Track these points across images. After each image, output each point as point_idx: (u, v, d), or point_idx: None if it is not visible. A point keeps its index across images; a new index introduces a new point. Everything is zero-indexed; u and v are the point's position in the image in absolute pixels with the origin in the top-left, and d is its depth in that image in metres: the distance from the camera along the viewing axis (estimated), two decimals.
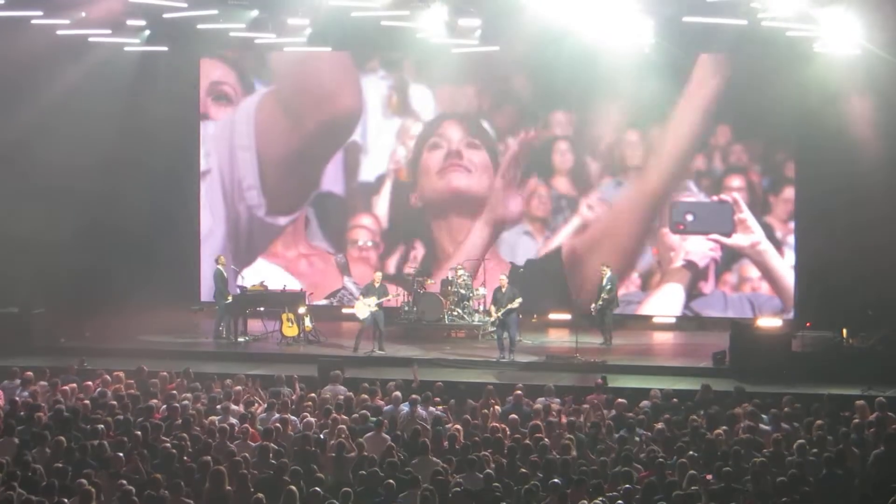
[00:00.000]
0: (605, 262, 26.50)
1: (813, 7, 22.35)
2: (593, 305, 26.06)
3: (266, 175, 30.04)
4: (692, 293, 28.25)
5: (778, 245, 27.73)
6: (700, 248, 28.18)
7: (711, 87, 27.67)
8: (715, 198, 28.12)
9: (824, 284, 26.33)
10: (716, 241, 28.10)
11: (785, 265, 27.66)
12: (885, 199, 25.79)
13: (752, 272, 27.93)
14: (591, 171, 28.72)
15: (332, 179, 29.88)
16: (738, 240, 27.96)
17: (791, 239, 27.63)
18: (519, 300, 24.54)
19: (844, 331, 24.00)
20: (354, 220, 29.96)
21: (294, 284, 29.03)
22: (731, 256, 28.06)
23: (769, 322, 25.92)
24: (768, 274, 27.80)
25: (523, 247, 29.05)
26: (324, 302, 29.57)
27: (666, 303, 28.38)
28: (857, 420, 17.84)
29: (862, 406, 18.55)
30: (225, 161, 30.27)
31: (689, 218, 28.17)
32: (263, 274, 28.95)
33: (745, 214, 27.88)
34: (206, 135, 30.26)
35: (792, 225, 27.64)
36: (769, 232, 27.78)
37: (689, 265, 28.23)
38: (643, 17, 24.58)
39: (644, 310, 28.54)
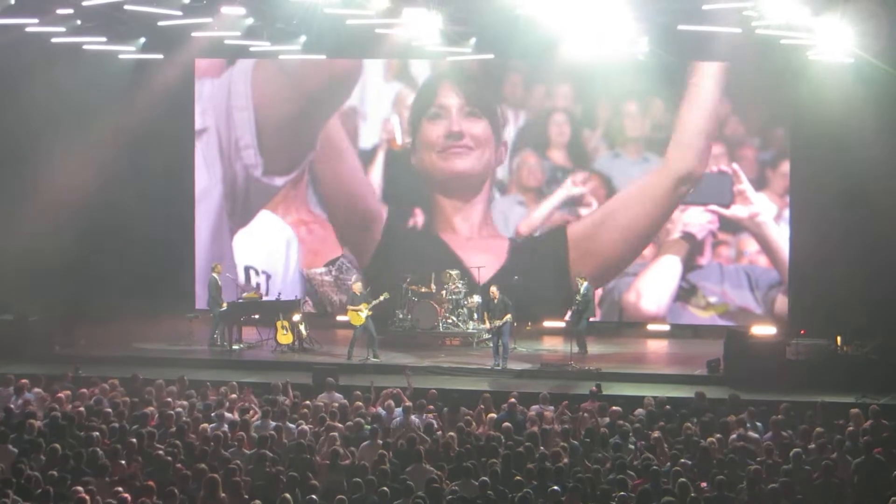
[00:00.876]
0: (580, 273, 26.50)
1: (807, 16, 22.37)
2: (568, 312, 26.08)
3: (263, 135, 29.81)
4: (689, 265, 28.26)
5: (776, 218, 27.75)
6: (698, 220, 28.19)
7: (709, 93, 27.76)
8: (714, 168, 28.09)
9: (818, 290, 26.34)
10: (714, 212, 28.11)
11: (783, 237, 27.65)
12: (878, 203, 25.85)
13: (750, 246, 27.93)
14: (589, 143, 28.71)
15: (325, 145, 29.72)
16: (736, 211, 27.96)
17: (788, 213, 27.61)
18: (509, 316, 24.54)
19: (839, 338, 24.03)
20: None
21: (293, 248, 29.53)
22: (729, 228, 28.04)
23: (763, 330, 25.98)
24: (767, 246, 27.78)
25: (516, 217, 29.07)
26: (322, 269, 29.67)
27: (663, 275, 28.36)
28: (851, 428, 17.85)
29: (857, 414, 18.57)
30: (222, 120, 29.99)
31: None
32: (266, 228, 29.51)
33: (745, 186, 27.86)
34: (203, 93, 30.05)
35: (789, 199, 27.60)
36: (767, 205, 27.81)
37: (687, 237, 28.25)
38: (638, 26, 24.62)
39: (641, 282, 28.48)
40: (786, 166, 27.64)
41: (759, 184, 27.82)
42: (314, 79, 29.56)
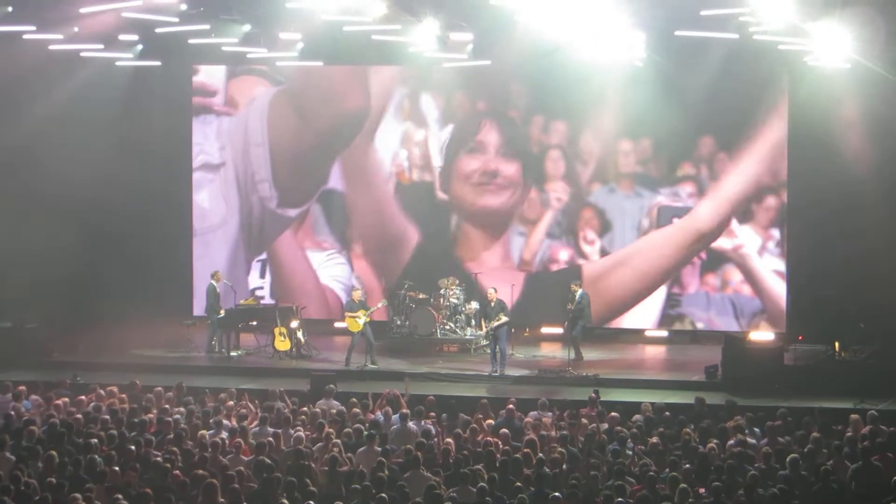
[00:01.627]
0: (575, 281, 26.57)
1: (804, 21, 22.39)
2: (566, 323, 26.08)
3: (277, 169, 30.21)
4: (675, 294, 28.34)
5: (759, 251, 27.84)
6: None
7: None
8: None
9: (816, 297, 26.32)
10: None
11: (767, 269, 27.74)
12: (875, 209, 25.85)
13: (735, 276, 28.03)
14: (583, 178, 28.82)
15: (338, 177, 29.97)
16: (721, 243, 28.04)
17: (771, 245, 27.72)
18: (505, 318, 24.56)
19: (836, 344, 24.03)
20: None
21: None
22: (715, 259, 28.12)
23: (761, 336, 25.97)
24: (750, 276, 27.90)
25: (517, 248, 29.15)
26: None
27: (650, 304, 28.43)
28: (849, 433, 17.85)
29: (856, 420, 18.55)
30: (239, 155, 30.41)
31: (676, 222, 28.27)
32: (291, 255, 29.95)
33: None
34: (221, 129, 30.47)
35: (773, 232, 27.69)
36: (751, 238, 27.88)
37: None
38: (635, 31, 24.64)
39: (629, 312, 28.58)
40: (770, 201, 27.70)
41: (744, 217, 27.88)
42: (327, 116, 29.85)
